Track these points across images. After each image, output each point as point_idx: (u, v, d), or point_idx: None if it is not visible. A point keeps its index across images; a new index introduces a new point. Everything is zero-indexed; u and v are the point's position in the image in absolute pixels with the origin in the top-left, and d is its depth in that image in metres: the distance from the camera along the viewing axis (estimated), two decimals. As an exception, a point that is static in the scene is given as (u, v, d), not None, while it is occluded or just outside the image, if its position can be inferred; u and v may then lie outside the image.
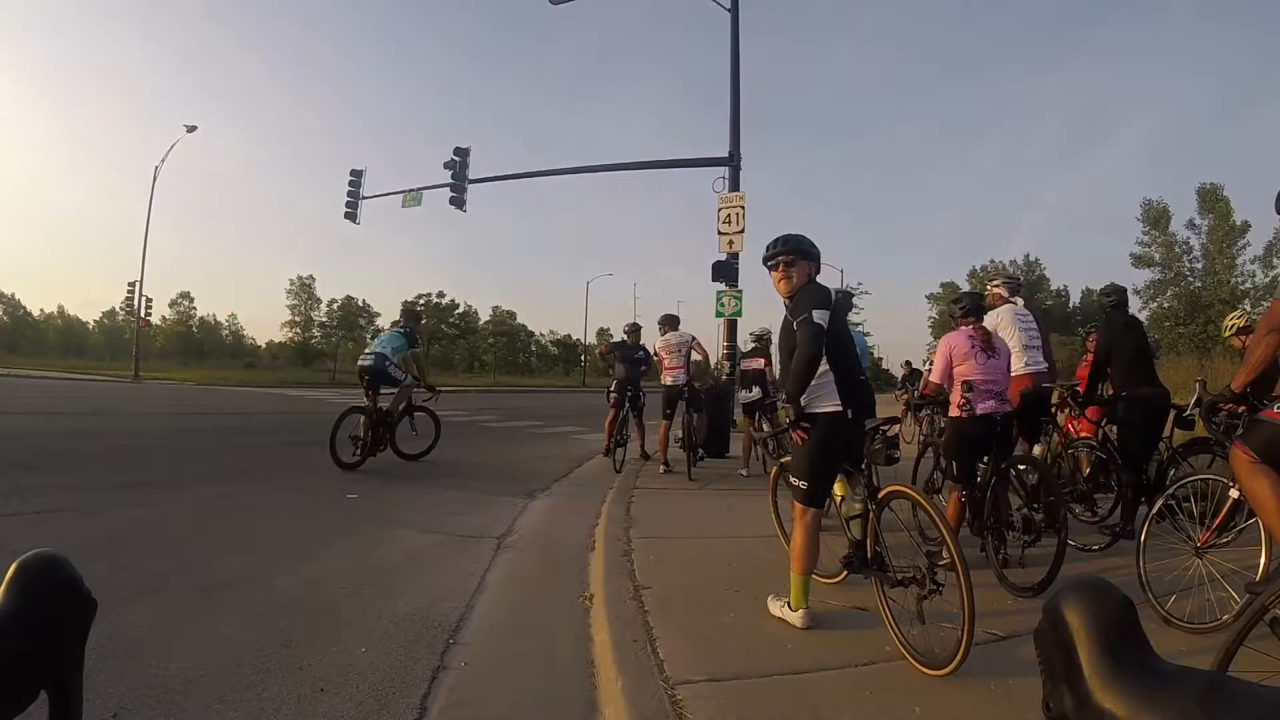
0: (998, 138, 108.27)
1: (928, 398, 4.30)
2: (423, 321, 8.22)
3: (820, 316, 2.78)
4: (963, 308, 3.93)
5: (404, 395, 7.41)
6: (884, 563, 2.78)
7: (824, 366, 2.85)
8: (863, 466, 3.01)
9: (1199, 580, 2.91)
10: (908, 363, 15.06)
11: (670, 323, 7.75)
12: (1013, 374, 4.13)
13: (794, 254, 2.97)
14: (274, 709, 2.21)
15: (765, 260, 3.06)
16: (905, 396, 11.61)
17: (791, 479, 2.95)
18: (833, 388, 2.85)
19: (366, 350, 7.65)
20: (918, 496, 2.71)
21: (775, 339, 3.72)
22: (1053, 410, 4.93)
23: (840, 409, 2.83)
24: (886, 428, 2.95)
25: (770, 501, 4.07)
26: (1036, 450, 4.66)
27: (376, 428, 7.01)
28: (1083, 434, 5.11)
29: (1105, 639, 0.39)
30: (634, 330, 8.20)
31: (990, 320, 4.37)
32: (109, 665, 2.36)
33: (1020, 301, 4.99)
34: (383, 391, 7.26)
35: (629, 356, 7.86)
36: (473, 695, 2.40)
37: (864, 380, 3.03)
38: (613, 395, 7.65)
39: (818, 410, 2.86)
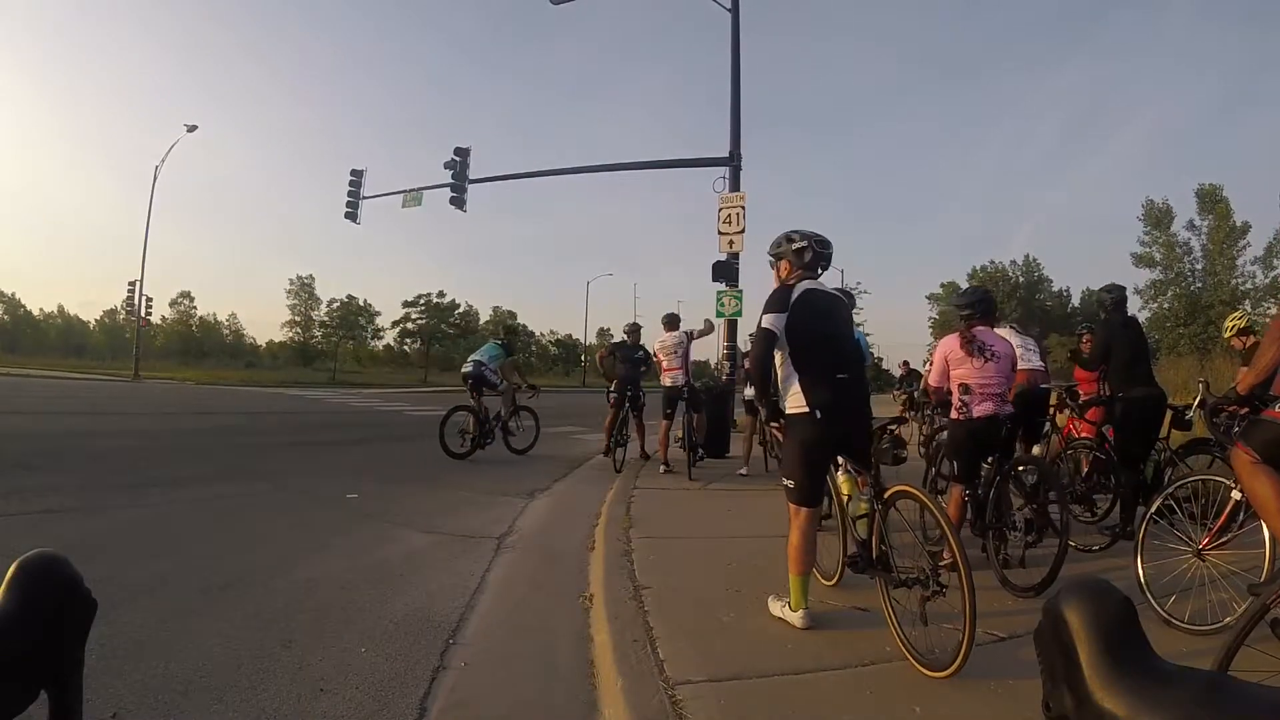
0: (998, 138, 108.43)
1: (930, 400, 4.31)
2: (519, 334, 9.24)
3: (769, 321, 2.90)
4: (965, 315, 3.91)
5: (509, 398, 8.48)
6: (889, 563, 2.77)
7: (790, 369, 2.90)
8: (869, 466, 3.01)
9: (1200, 581, 2.91)
10: (905, 363, 15.03)
11: (669, 323, 7.74)
12: None
13: (770, 255, 3.20)
14: (274, 709, 2.20)
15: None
16: (904, 396, 11.58)
17: (782, 479, 2.99)
18: (798, 389, 2.86)
19: (469, 359, 8.64)
20: (923, 497, 2.70)
21: None
22: (1051, 411, 4.94)
23: (806, 410, 2.84)
24: (893, 427, 2.94)
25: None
26: (1036, 451, 4.68)
27: (483, 424, 8.11)
28: (1083, 434, 5.12)
29: (1106, 639, 0.39)
30: (634, 330, 8.20)
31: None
32: (109, 665, 2.36)
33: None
34: (485, 393, 8.26)
35: (629, 356, 7.86)
36: (473, 695, 2.40)
37: (844, 380, 2.91)
38: (612, 395, 7.65)
39: (790, 411, 2.90)
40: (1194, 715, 0.35)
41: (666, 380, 7.47)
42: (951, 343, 3.85)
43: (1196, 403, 4.38)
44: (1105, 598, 0.41)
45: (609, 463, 7.38)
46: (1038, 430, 4.85)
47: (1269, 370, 2.65)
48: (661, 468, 7.10)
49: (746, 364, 7.32)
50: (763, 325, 2.91)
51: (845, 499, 3.03)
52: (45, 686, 0.45)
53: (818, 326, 2.95)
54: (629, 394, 7.59)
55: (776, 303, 2.94)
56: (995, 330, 4.00)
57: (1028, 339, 4.89)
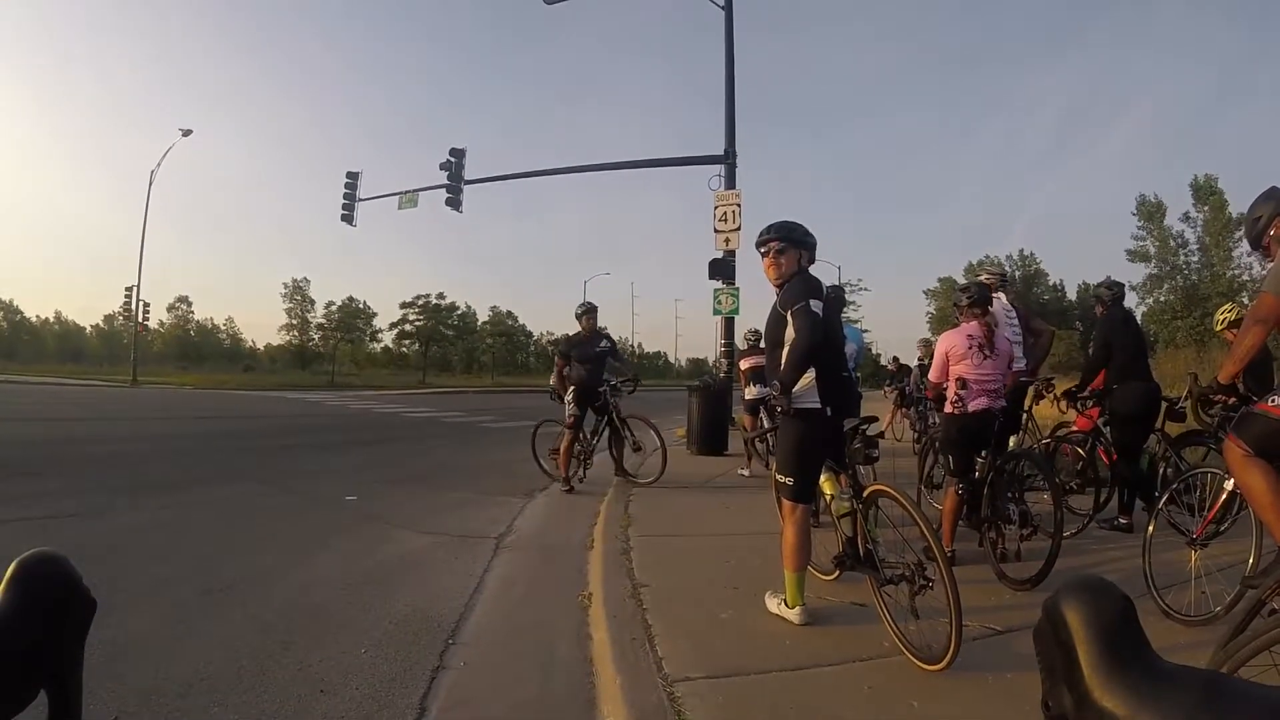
0: (995, 132, 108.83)
1: (928, 396, 4.33)
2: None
3: (816, 306, 2.77)
4: (970, 297, 3.93)
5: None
6: (875, 560, 2.77)
7: None
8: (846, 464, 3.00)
9: (1196, 572, 2.92)
10: (895, 358, 14.91)
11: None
12: None
13: (785, 241, 2.93)
14: (274, 710, 2.20)
15: (757, 245, 3.02)
16: (895, 393, 11.52)
17: (778, 476, 2.96)
18: (813, 384, 2.84)
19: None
20: (898, 496, 2.70)
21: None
22: (1028, 404, 4.98)
23: (819, 406, 2.83)
24: (865, 427, 2.94)
25: (775, 498, 4.09)
26: (1013, 442, 4.68)
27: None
28: (1077, 428, 5.15)
29: (1105, 638, 0.39)
30: (588, 312, 6.23)
31: None
32: (110, 668, 2.36)
33: (1005, 296, 5.04)
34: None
35: (587, 354, 6.14)
36: (472, 695, 2.40)
37: (847, 377, 3.02)
38: (570, 414, 6.02)
39: (798, 406, 2.85)
40: (1193, 714, 0.35)
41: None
42: (954, 338, 3.86)
43: (1185, 394, 4.42)
44: (1105, 596, 0.41)
45: (607, 460, 6.47)
46: (1016, 421, 4.88)
47: (1247, 358, 2.66)
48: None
49: (755, 361, 7.06)
50: (812, 309, 2.74)
51: (828, 498, 3.03)
52: (45, 685, 0.45)
53: (831, 325, 2.93)
54: (596, 403, 6.13)
55: (816, 290, 2.83)
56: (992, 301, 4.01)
57: (1013, 322, 4.85)
